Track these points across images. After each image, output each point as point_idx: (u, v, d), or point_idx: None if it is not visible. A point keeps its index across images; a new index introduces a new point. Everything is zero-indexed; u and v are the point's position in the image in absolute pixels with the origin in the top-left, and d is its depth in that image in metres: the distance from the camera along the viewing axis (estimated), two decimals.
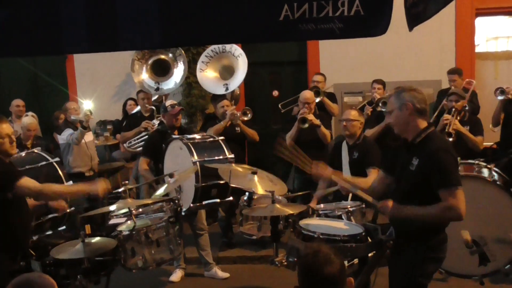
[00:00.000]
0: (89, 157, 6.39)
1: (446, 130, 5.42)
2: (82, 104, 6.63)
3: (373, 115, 6.39)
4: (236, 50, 6.77)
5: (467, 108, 5.69)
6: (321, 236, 3.24)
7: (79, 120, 6.10)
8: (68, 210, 4.16)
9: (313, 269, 2.10)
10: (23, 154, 4.71)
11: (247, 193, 4.21)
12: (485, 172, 4.44)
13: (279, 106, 6.92)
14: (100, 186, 3.68)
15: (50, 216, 4.15)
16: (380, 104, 6.28)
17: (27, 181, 3.45)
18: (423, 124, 3.07)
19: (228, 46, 6.77)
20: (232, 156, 4.75)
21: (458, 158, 4.43)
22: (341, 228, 3.45)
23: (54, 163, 4.54)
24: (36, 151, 4.77)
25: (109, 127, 7.99)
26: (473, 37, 7.98)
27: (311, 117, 5.78)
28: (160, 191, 4.16)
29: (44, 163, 4.52)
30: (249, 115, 6.14)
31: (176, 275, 5.57)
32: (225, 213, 6.20)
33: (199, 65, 6.92)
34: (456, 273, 4.38)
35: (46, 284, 2.09)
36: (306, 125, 5.75)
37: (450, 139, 5.38)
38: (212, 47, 6.84)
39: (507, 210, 4.20)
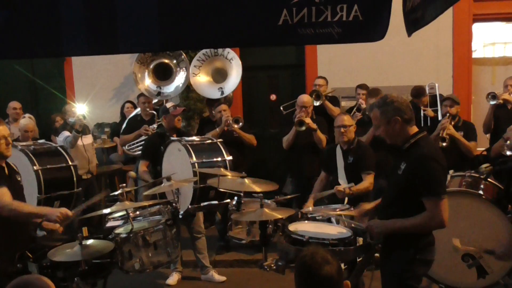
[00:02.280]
0: (86, 160, 6.38)
1: (440, 135, 5.45)
2: (75, 107, 6.58)
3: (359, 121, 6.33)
4: (229, 53, 6.77)
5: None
6: (309, 240, 3.25)
7: (73, 124, 6.11)
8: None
9: (312, 269, 2.12)
10: (45, 146, 4.97)
11: (235, 198, 4.22)
12: (476, 184, 4.46)
13: (281, 108, 6.89)
14: (59, 214, 3.55)
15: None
16: (367, 112, 6.29)
17: (1, 192, 3.42)
18: (412, 130, 3.10)
19: (220, 49, 6.77)
20: (230, 158, 4.77)
21: (451, 171, 4.50)
22: (330, 232, 3.46)
23: (72, 167, 4.82)
24: (59, 147, 5.03)
25: (106, 129, 7.98)
26: (470, 43, 8.01)
27: (308, 120, 5.79)
28: (150, 190, 4.24)
29: (63, 165, 4.84)
30: (240, 123, 6.13)
31: (173, 278, 5.57)
32: (222, 217, 6.20)
33: (191, 69, 6.90)
34: (455, 287, 4.40)
35: (44, 286, 2.09)
36: (303, 128, 5.77)
37: (444, 144, 5.41)
38: (204, 50, 6.83)
39: (497, 223, 4.23)
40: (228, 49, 6.77)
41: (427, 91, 6.68)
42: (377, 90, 5.97)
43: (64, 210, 3.62)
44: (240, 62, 6.72)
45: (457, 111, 5.69)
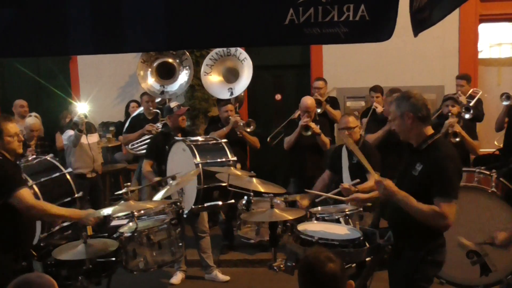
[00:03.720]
0: (91, 159, 6.37)
1: (450, 131, 5.43)
2: (76, 107, 6.54)
3: (371, 120, 6.33)
4: (241, 53, 6.75)
5: (462, 114, 5.77)
6: (319, 241, 3.24)
7: (75, 123, 6.10)
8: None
9: (315, 266, 2.11)
10: (35, 161, 4.66)
11: (245, 197, 4.21)
12: (486, 181, 4.44)
13: (268, 140, 6.89)
14: (92, 218, 3.69)
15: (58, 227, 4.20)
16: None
17: (25, 192, 3.42)
18: (428, 130, 3.08)
19: (232, 49, 6.75)
20: (235, 159, 4.76)
21: None
22: (339, 233, 3.44)
23: (67, 174, 4.52)
24: (48, 158, 4.73)
25: (111, 128, 7.99)
26: (477, 43, 7.99)
27: (313, 125, 5.79)
28: (159, 195, 4.17)
29: (57, 174, 4.50)
30: (252, 127, 6.12)
31: (177, 278, 5.57)
32: (226, 216, 6.20)
33: (203, 68, 6.90)
34: (457, 283, 4.38)
35: (45, 284, 2.08)
36: (309, 133, 5.78)
37: (457, 139, 5.40)
38: (217, 49, 6.83)
39: (507, 220, 4.20)
40: (240, 50, 6.76)
41: (470, 92, 6.67)
42: (397, 89, 5.90)
43: (94, 213, 3.69)
44: (251, 63, 6.69)
45: (458, 111, 5.69)
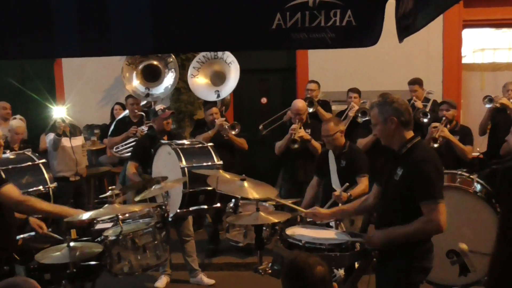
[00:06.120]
0: (74, 162, 6.32)
1: (432, 135, 5.47)
2: (53, 111, 6.45)
3: (363, 123, 6.33)
4: (228, 57, 6.75)
5: (420, 120, 5.90)
6: (306, 245, 3.23)
7: (52, 126, 6.04)
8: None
9: (305, 270, 2.12)
10: (10, 156, 4.60)
11: (233, 200, 4.20)
12: (467, 183, 4.49)
13: (260, 127, 6.96)
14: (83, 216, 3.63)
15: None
16: (359, 115, 6.32)
17: (10, 188, 3.38)
18: (408, 134, 3.07)
19: (220, 53, 6.76)
20: (221, 162, 4.74)
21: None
22: (327, 237, 3.43)
23: (41, 165, 4.45)
24: (26, 152, 4.69)
25: (96, 131, 7.94)
26: (460, 49, 8.09)
27: (301, 133, 5.77)
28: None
29: (29, 163, 4.45)
30: (237, 129, 6.12)
31: (162, 281, 5.55)
32: (212, 220, 6.18)
33: (190, 70, 6.90)
34: (435, 282, 4.41)
35: None
36: (296, 146, 5.76)
37: (435, 145, 5.43)
38: (204, 52, 6.83)
39: (488, 221, 4.25)
40: (227, 53, 6.76)
41: (424, 94, 6.76)
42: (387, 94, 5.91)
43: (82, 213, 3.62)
44: (238, 66, 6.70)
45: (453, 115, 5.73)
